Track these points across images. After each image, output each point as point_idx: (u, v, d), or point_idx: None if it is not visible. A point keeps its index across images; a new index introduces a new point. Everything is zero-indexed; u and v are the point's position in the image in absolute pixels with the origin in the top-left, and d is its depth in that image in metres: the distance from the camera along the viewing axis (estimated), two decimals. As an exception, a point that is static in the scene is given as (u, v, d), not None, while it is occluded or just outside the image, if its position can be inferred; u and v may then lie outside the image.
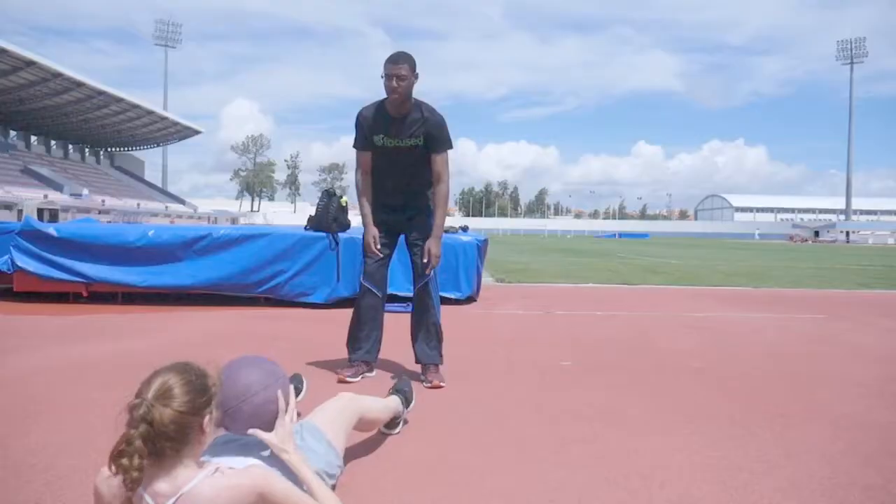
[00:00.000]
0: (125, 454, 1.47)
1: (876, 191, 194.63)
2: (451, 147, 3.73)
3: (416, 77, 3.57)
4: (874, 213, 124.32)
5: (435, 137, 3.65)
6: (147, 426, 1.48)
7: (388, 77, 3.49)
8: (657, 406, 3.32)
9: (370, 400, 2.53)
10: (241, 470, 1.65)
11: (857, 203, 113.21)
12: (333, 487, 2.08)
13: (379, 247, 3.70)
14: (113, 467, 1.49)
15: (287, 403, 1.90)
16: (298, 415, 1.99)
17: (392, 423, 2.77)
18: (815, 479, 2.35)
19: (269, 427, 1.86)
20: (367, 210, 3.76)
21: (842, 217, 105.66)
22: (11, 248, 6.79)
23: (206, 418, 1.59)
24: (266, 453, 1.85)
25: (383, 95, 3.61)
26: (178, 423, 1.51)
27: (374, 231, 3.71)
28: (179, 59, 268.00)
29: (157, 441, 1.49)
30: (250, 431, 1.85)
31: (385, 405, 2.65)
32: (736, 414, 3.18)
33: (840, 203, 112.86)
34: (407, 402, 2.87)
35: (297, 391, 2.68)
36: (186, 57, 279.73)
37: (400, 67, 3.49)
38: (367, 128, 3.68)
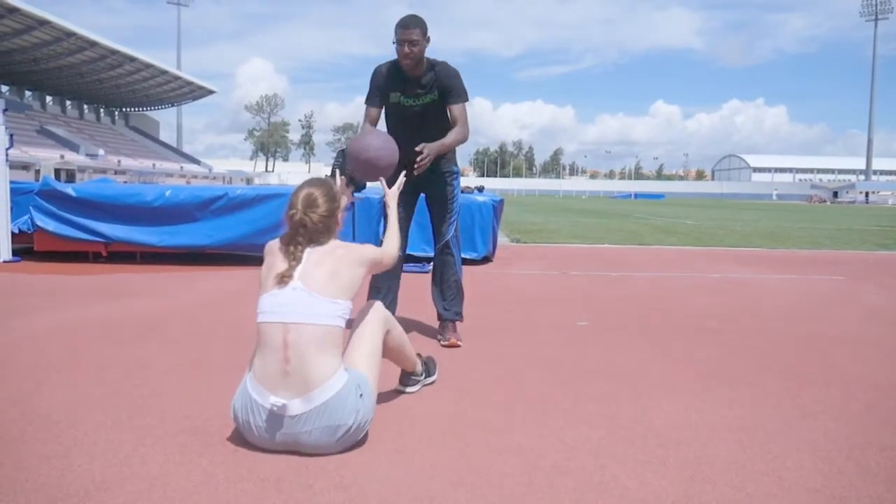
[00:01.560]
0: (293, 243, 2.22)
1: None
2: (466, 99, 3.65)
3: (428, 40, 3.51)
4: (895, 173, 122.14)
5: (448, 88, 3.59)
6: (303, 227, 2.23)
7: (399, 42, 3.44)
8: (673, 366, 3.33)
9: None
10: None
11: (877, 163, 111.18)
12: (365, 436, 2.21)
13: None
14: (284, 250, 2.24)
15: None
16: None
17: (408, 379, 2.80)
18: (832, 438, 2.36)
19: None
20: None
21: (861, 177, 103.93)
22: (31, 208, 6.87)
23: (340, 215, 2.36)
24: None
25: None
26: (324, 222, 2.26)
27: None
28: (193, 17, 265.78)
29: (312, 234, 2.24)
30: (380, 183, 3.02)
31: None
32: (752, 374, 3.18)
33: (860, 163, 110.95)
34: (426, 366, 2.90)
35: None
36: (200, 16, 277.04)
37: (411, 32, 3.43)
38: (383, 84, 3.65)
